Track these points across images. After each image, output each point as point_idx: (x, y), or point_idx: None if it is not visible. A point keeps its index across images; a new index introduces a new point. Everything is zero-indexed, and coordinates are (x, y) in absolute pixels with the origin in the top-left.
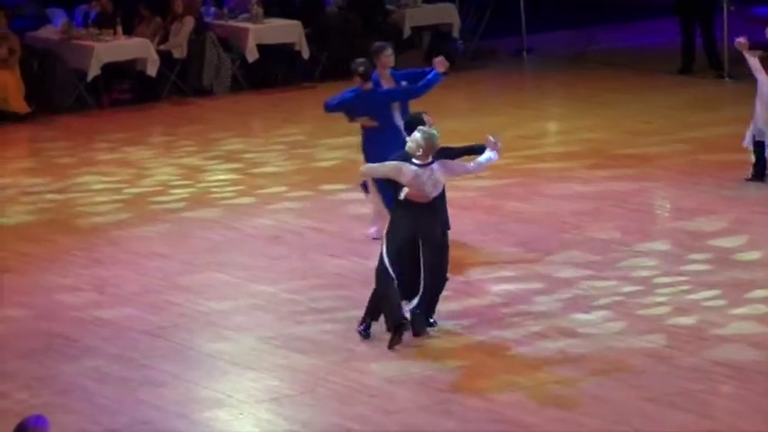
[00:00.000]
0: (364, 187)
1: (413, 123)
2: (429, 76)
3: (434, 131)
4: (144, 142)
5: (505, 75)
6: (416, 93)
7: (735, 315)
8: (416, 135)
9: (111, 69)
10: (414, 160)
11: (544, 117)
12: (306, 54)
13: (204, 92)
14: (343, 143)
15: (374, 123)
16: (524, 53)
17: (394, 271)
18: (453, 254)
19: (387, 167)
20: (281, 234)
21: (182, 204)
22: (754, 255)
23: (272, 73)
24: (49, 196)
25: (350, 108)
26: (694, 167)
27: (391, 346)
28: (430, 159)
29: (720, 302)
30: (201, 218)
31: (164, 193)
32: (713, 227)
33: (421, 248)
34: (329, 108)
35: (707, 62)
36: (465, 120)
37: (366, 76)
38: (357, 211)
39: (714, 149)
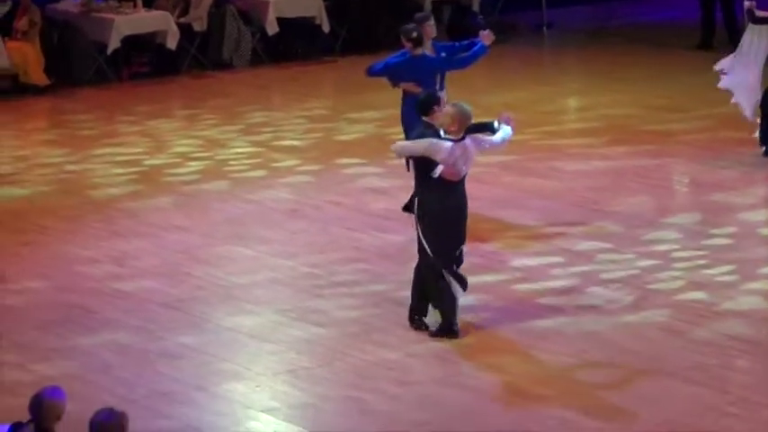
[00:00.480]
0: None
1: (429, 102)
2: (476, 48)
3: (467, 105)
4: (163, 115)
5: (525, 50)
6: (464, 63)
7: (748, 290)
8: (450, 110)
9: (131, 42)
10: (447, 136)
11: (563, 93)
12: (326, 28)
13: (224, 65)
14: (365, 117)
15: (419, 90)
16: (544, 28)
17: (439, 250)
18: (472, 228)
19: (422, 145)
20: (300, 207)
21: (200, 177)
22: None
23: (293, 47)
24: (69, 167)
25: (396, 73)
26: (714, 143)
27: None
28: (462, 135)
29: (734, 278)
30: (220, 191)
31: (182, 166)
32: (734, 202)
33: (457, 226)
34: (374, 72)
35: (727, 37)
36: (484, 95)
37: (418, 42)
38: (375, 184)
39: (734, 126)
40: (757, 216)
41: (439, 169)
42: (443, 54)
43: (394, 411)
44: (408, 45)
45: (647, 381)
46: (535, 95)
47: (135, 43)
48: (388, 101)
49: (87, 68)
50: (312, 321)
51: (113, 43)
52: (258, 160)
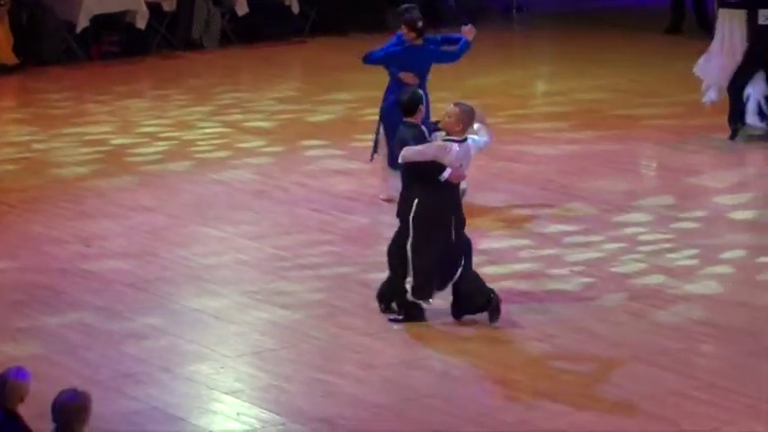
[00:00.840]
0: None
1: (414, 102)
2: (461, 44)
3: (470, 104)
4: (132, 95)
5: (495, 33)
6: (454, 58)
7: (709, 274)
8: (455, 110)
9: (100, 21)
10: (450, 137)
11: (533, 76)
12: (296, 9)
13: (193, 45)
14: (334, 99)
15: (414, 81)
16: (514, 11)
17: (421, 260)
18: None
19: (433, 149)
20: (267, 189)
21: (167, 157)
22: (747, 214)
23: (262, 27)
24: (37, 146)
25: (395, 62)
26: (683, 128)
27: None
28: (465, 136)
29: (696, 262)
30: (187, 171)
31: (150, 146)
32: (702, 186)
33: (454, 231)
34: (373, 60)
35: (696, 22)
36: (453, 79)
37: (422, 32)
38: (341, 166)
39: (703, 111)
40: (725, 200)
41: (447, 172)
42: (431, 46)
43: (359, 394)
44: (411, 35)
45: (614, 365)
46: (504, 79)
47: (104, 23)
48: (357, 83)
49: (56, 48)
50: (278, 303)
51: (83, 22)
52: (226, 141)
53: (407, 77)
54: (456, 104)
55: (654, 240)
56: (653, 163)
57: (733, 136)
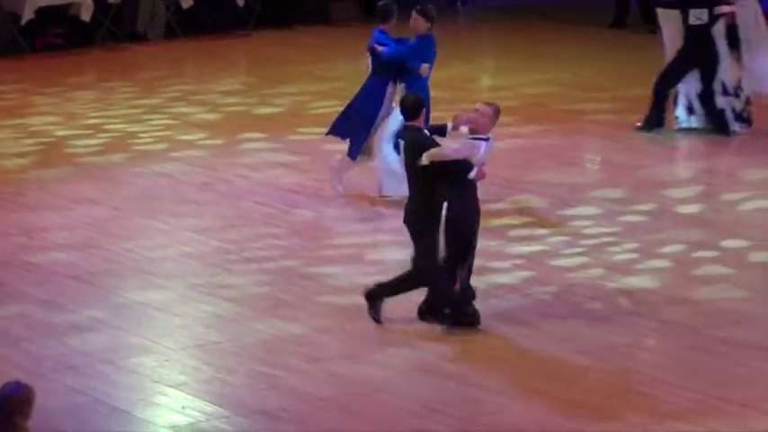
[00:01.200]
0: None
1: (419, 105)
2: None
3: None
4: (77, 87)
5: (439, 26)
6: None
7: (649, 269)
8: (488, 109)
9: (45, 13)
10: (477, 136)
11: (478, 70)
12: (240, 2)
13: (138, 38)
14: (278, 92)
15: (427, 73)
16: (459, 4)
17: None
18: (379, 206)
19: (468, 147)
20: (211, 181)
21: (111, 150)
22: (692, 208)
23: (207, 20)
24: None
25: (420, 56)
26: (627, 123)
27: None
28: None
29: (636, 255)
30: (131, 164)
31: (93, 138)
32: (647, 181)
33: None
34: (400, 57)
35: (640, 16)
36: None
37: (433, 23)
38: (285, 159)
39: (647, 105)
40: (673, 194)
41: (475, 171)
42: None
43: (303, 387)
44: (427, 25)
45: (555, 359)
46: (450, 73)
47: (49, 15)
48: (303, 76)
49: (1, 39)
50: (222, 296)
51: (27, 14)
52: (170, 133)
53: (425, 69)
54: (487, 104)
55: (597, 234)
56: (598, 157)
57: (646, 128)
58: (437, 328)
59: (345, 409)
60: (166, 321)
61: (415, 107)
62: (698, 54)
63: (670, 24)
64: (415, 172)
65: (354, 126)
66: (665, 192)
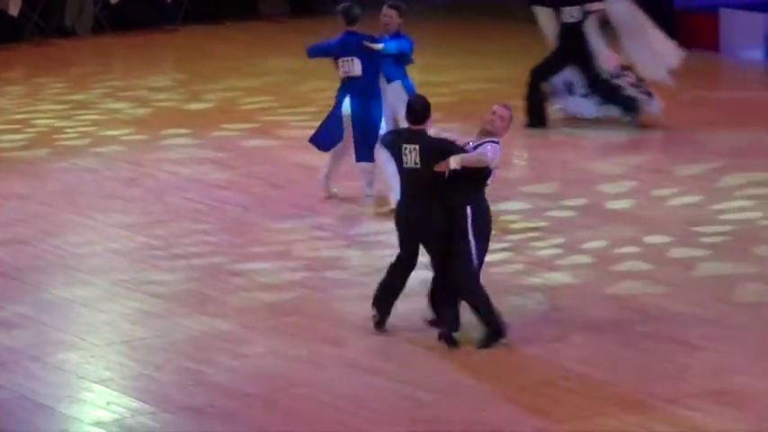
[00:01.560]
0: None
1: (428, 108)
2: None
3: None
4: (5, 82)
5: (376, 23)
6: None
7: (570, 264)
8: (505, 112)
9: None
10: (490, 138)
11: (418, 67)
12: None
13: (66, 32)
14: (206, 88)
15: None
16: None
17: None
18: (311, 200)
19: (493, 152)
20: (137, 177)
21: (37, 145)
22: (623, 204)
23: (135, 15)
24: None
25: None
26: (564, 118)
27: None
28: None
29: (560, 251)
30: (57, 159)
31: (19, 133)
32: (581, 176)
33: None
34: (402, 51)
35: None
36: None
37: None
38: (213, 155)
39: None
40: (606, 189)
41: (494, 174)
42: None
43: (230, 383)
44: (400, 21)
45: (482, 355)
46: None
47: None
48: (231, 72)
49: None
50: (149, 292)
51: None
52: (97, 128)
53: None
54: (504, 107)
55: (523, 229)
56: (530, 152)
57: (532, 125)
58: (363, 327)
59: (272, 405)
60: (92, 317)
61: (423, 111)
62: (572, 50)
63: (548, 23)
64: (430, 177)
65: (360, 133)
66: (599, 187)
